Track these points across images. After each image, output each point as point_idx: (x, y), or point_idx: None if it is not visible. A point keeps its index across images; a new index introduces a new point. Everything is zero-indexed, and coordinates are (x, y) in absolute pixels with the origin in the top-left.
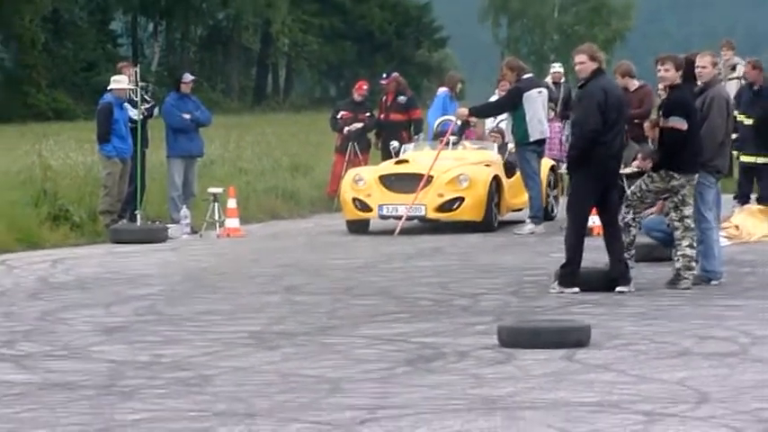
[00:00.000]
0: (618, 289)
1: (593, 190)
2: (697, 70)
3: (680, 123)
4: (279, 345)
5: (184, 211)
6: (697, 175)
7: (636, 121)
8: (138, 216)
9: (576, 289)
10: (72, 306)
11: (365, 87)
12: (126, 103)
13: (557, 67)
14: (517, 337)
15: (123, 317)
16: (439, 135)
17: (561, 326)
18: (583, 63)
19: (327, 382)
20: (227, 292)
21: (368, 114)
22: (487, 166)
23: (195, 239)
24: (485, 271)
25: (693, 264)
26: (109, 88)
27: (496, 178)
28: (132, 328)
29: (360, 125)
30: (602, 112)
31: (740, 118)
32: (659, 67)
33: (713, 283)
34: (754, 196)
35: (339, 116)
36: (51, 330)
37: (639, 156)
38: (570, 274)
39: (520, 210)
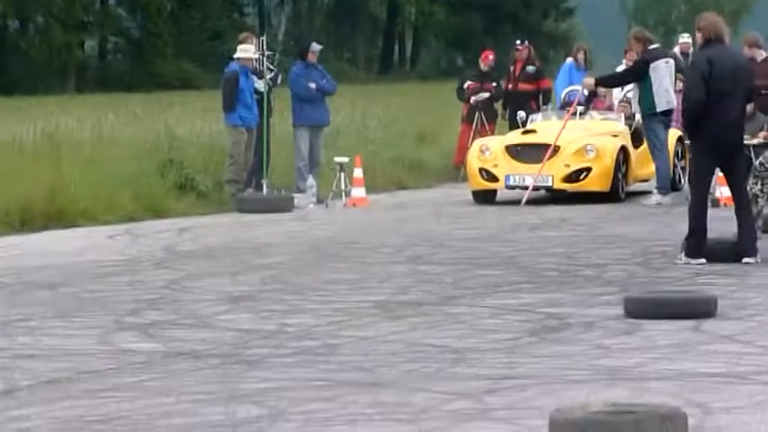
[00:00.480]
0: (744, 260)
1: (709, 161)
2: None
3: None
4: (404, 314)
5: (310, 180)
6: None
7: (763, 91)
8: (264, 185)
9: (703, 260)
10: (198, 275)
11: (491, 57)
12: (251, 73)
13: (685, 38)
14: (644, 308)
15: (249, 286)
16: (566, 105)
17: (688, 296)
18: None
19: (452, 351)
20: (352, 261)
21: (494, 84)
22: (614, 136)
23: (321, 209)
24: (611, 242)
25: None
26: (235, 57)
27: (623, 149)
28: (258, 297)
29: (486, 95)
30: (706, 82)
31: None
32: None
33: None
34: None
35: (465, 86)
36: (177, 299)
37: (766, 126)
38: (696, 244)
39: (647, 180)
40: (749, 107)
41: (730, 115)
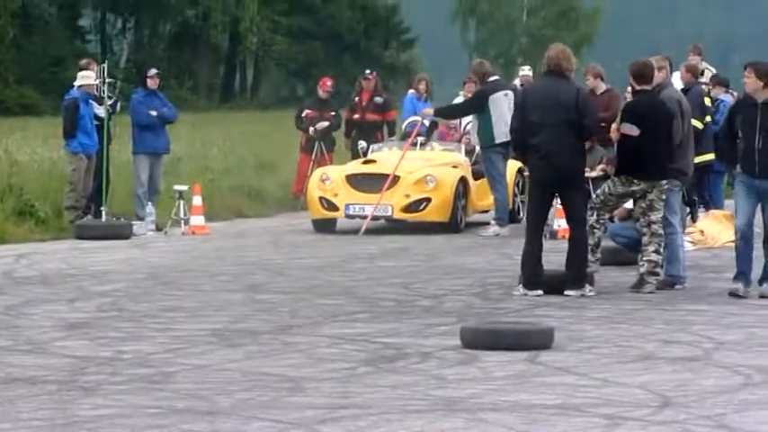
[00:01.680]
0: (566, 292)
1: (536, 192)
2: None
3: (630, 130)
4: (241, 343)
5: (150, 207)
6: (665, 182)
7: (602, 124)
8: (104, 212)
9: (540, 291)
10: (35, 301)
11: (329, 83)
12: (91, 100)
13: (525, 70)
14: (480, 339)
15: (86, 312)
16: (406, 135)
17: (524, 328)
18: None
19: (289, 380)
20: (190, 289)
21: (333, 113)
22: (454, 167)
23: (160, 236)
24: (448, 272)
25: (659, 269)
26: (76, 84)
27: (463, 180)
28: (95, 323)
29: (326, 124)
30: (521, 113)
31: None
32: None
33: (677, 287)
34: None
35: (304, 115)
36: (14, 325)
37: (605, 159)
38: (530, 275)
39: (487, 211)
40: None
41: (543, 148)
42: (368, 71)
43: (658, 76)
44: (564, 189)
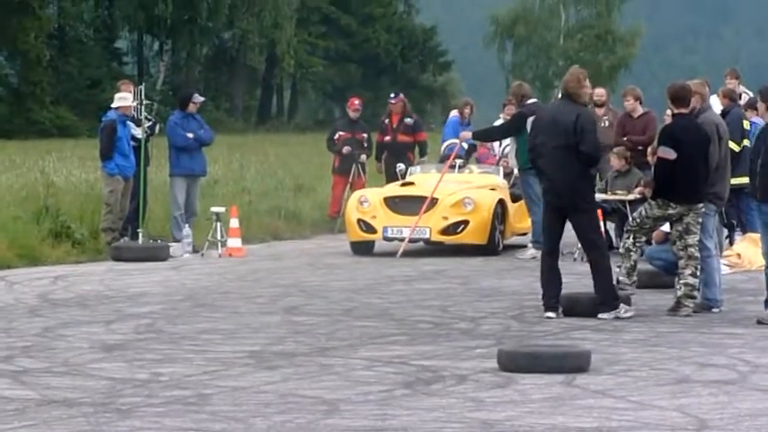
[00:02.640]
0: (599, 316)
1: (546, 215)
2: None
3: (666, 153)
4: (278, 365)
5: (186, 230)
6: (701, 205)
7: (639, 147)
8: (140, 234)
9: (551, 314)
10: (72, 323)
11: (357, 102)
12: (129, 122)
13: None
14: (517, 361)
15: (123, 334)
16: (445, 158)
17: (561, 350)
18: None
19: (325, 403)
20: (227, 311)
21: (364, 134)
22: (492, 190)
23: (197, 258)
24: (486, 295)
25: (695, 293)
26: (113, 106)
27: (501, 202)
28: (131, 345)
29: (362, 155)
30: (532, 135)
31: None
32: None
33: (714, 311)
34: None
35: (336, 137)
36: (51, 347)
37: (642, 182)
38: (545, 297)
39: (525, 234)
40: (613, 163)
41: (547, 171)
42: (392, 95)
43: (695, 100)
44: (569, 212)
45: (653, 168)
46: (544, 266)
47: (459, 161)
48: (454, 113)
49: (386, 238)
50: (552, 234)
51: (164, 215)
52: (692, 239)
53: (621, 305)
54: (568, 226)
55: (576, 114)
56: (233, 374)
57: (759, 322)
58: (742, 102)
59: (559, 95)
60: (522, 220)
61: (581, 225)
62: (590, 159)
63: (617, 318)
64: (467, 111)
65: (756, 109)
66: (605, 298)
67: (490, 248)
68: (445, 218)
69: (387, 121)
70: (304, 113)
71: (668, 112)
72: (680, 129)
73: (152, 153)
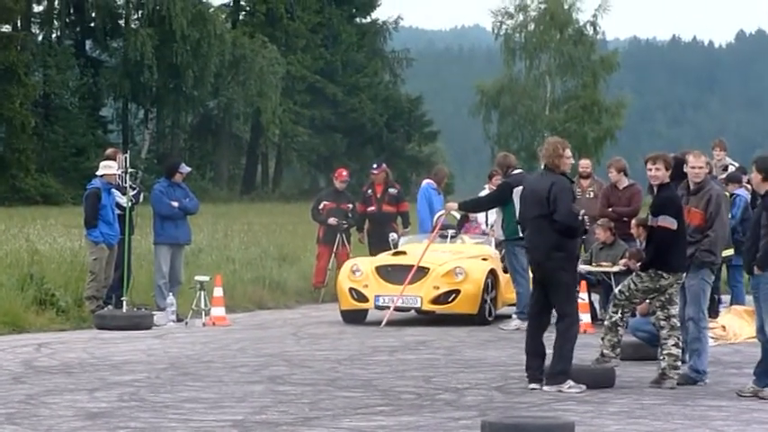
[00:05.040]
0: (544, 387)
1: (534, 285)
2: (694, 170)
3: (670, 223)
4: None
5: (170, 298)
6: (684, 274)
7: (624, 219)
8: (124, 302)
9: (536, 385)
10: (56, 390)
11: (345, 174)
12: (114, 189)
13: None
14: None
15: (107, 402)
16: (443, 227)
17: (545, 422)
18: None
19: None
20: (210, 380)
21: (350, 204)
22: (484, 260)
23: (181, 327)
24: (469, 366)
25: (679, 363)
26: (99, 173)
27: (493, 272)
28: (115, 414)
29: (347, 225)
30: (520, 207)
31: None
32: (650, 165)
33: (699, 384)
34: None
35: (321, 206)
36: (35, 414)
37: (627, 254)
38: (528, 367)
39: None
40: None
41: (527, 241)
42: (374, 165)
43: (705, 172)
44: (546, 282)
45: (646, 240)
46: (529, 339)
47: (451, 231)
48: (428, 182)
49: (377, 307)
50: (535, 306)
51: (148, 283)
52: (675, 310)
53: (568, 381)
54: None
55: (550, 183)
56: None
57: (739, 394)
58: (724, 174)
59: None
60: (513, 290)
61: (556, 296)
62: (565, 229)
63: (559, 392)
64: (443, 179)
65: (737, 182)
66: (557, 370)
67: (481, 318)
68: (436, 287)
69: (369, 191)
70: (289, 182)
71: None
72: (677, 197)
73: (136, 221)
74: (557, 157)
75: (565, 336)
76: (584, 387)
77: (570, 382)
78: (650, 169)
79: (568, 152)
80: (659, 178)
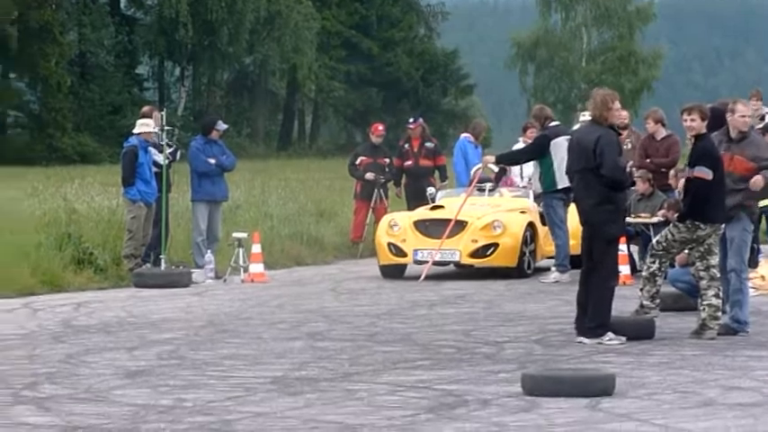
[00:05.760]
0: (579, 339)
1: (583, 237)
2: (744, 119)
3: (705, 173)
4: (301, 390)
5: (209, 255)
6: (723, 225)
7: (662, 170)
8: (162, 260)
9: (580, 338)
10: (95, 349)
11: (381, 128)
12: (151, 147)
13: (586, 116)
14: (541, 386)
15: (146, 361)
16: (480, 181)
17: (585, 374)
18: None
19: (349, 428)
20: (249, 337)
21: (386, 159)
22: (522, 213)
23: (219, 284)
24: (509, 319)
25: (719, 314)
26: (135, 131)
27: (531, 225)
28: (155, 372)
29: (385, 180)
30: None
31: None
32: (685, 116)
33: (740, 334)
34: None
35: (358, 162)
36: (74, 373)
37: (665, 205)
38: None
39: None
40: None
41: (575, 194)
42: (411, 119)
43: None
44: (592, 234)
45: (683, 190)
46: (579, 291)
47: (489, 184)
48: (465, 135)
49: (416, 262)
50: (586, 258)
51: (186, 241)
52: (714, 260)
53: (608, 333)
54: None
55: (597, 136)
56: (256, 400)
57: None
58: (761, 124)
59: (585, 117)
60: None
61: (597, 250)
62: (611, 183)
63: (599, 344)
64: (481, 133)
65: None
66: (596, 323)
67: (520, 271)
68: (475, 241)
69: (406, 145)
70: (325, 138)
71: (688, 135)
72: (715, 147)
73: (174, 179)
74: (606, 109)
75: (602, 288)
76: (623, 339)
77: (610, 334)
78: (686, 120)
79: (617, 104)
80: (695, 129)
